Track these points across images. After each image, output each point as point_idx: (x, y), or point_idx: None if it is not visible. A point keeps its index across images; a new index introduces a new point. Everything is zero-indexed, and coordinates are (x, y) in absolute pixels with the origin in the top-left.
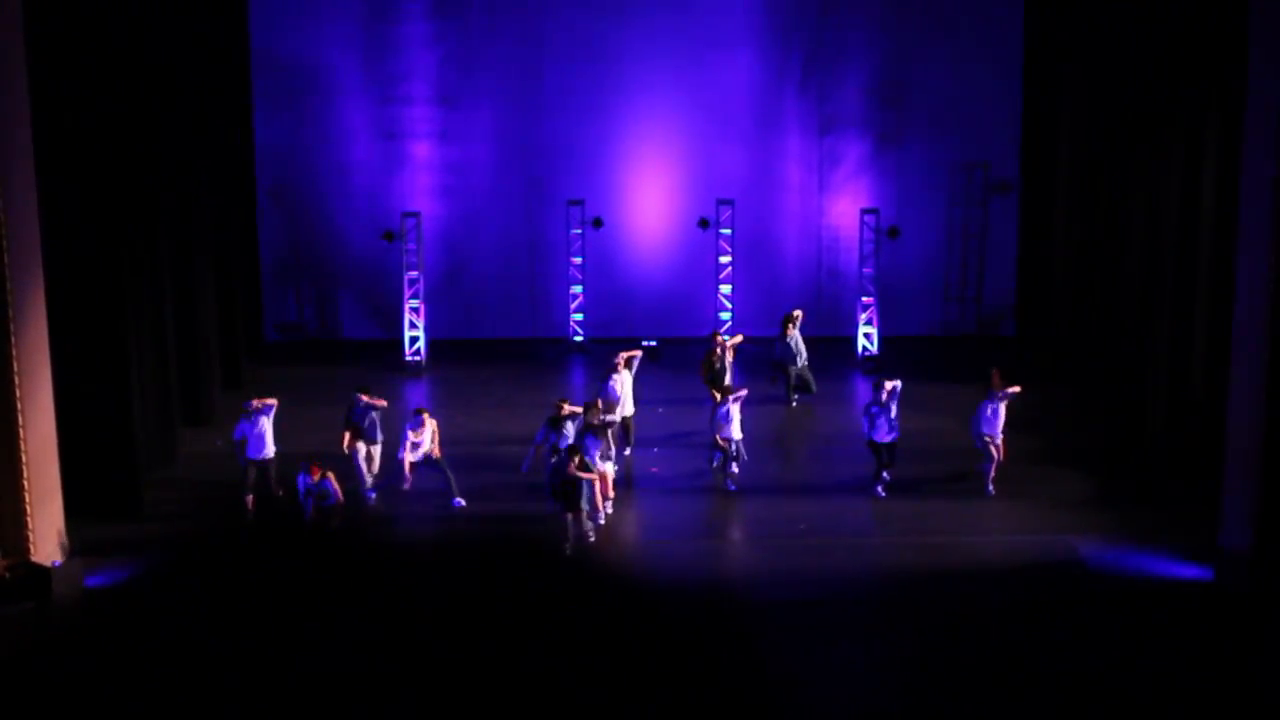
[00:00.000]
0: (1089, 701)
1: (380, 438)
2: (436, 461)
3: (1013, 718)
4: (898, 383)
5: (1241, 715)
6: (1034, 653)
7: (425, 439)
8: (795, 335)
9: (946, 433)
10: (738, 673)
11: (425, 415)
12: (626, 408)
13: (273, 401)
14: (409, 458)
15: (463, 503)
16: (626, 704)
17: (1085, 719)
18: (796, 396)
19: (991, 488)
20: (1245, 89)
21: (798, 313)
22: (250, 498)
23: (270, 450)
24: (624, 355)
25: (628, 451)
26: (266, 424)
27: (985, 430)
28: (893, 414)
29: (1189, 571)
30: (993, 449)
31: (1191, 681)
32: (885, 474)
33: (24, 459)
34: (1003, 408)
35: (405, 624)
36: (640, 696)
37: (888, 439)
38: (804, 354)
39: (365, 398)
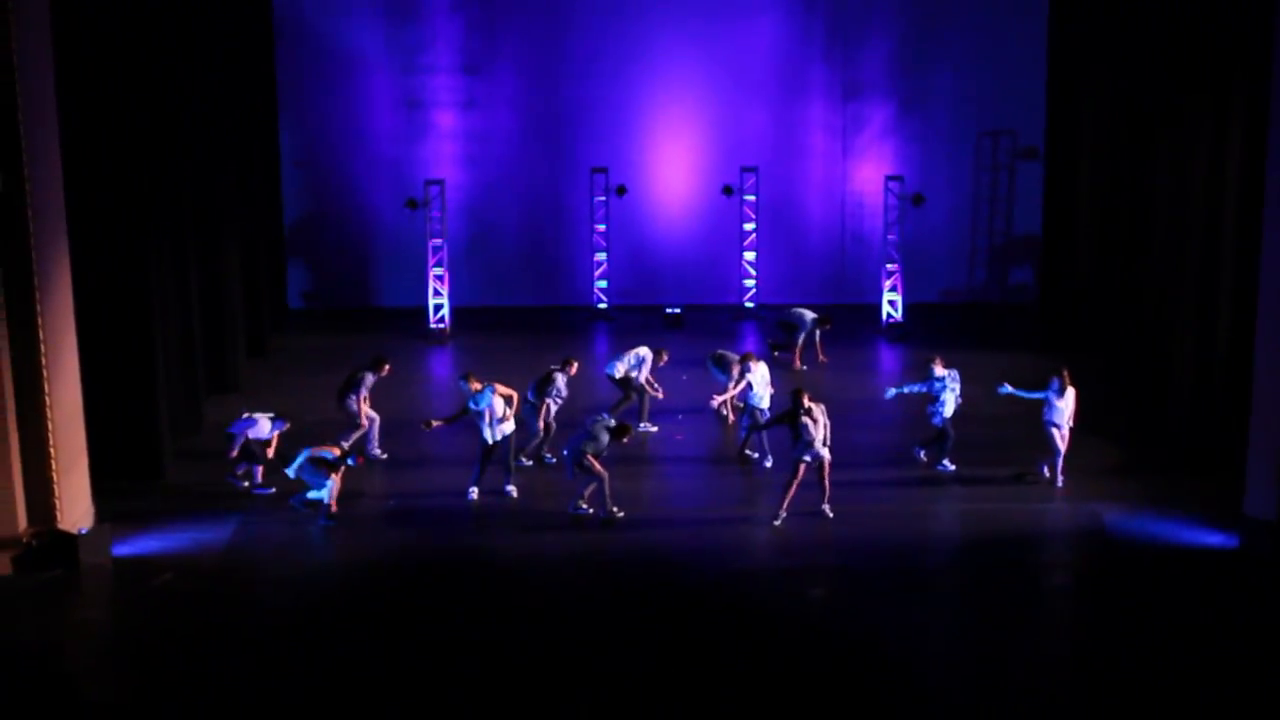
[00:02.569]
0: (1113, 668)
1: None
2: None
3: (1037, 685)
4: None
5: (1267, 682)
6: (1058, 620)
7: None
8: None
9: (970, 400)
10: (774, 636)
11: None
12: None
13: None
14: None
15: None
16: (672, 672)
17: (1110, 686)
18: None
19: (1060, 480)
20: (1273, 56)
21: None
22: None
23: (263, 433)
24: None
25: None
26: (265, 426)
27: (1054, 419)
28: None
29: (1214, 539)
30: (1059, 440)
31: (1217, 649)
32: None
33: (50, 427)
34: (1071, 399)
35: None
36: (676, 663)
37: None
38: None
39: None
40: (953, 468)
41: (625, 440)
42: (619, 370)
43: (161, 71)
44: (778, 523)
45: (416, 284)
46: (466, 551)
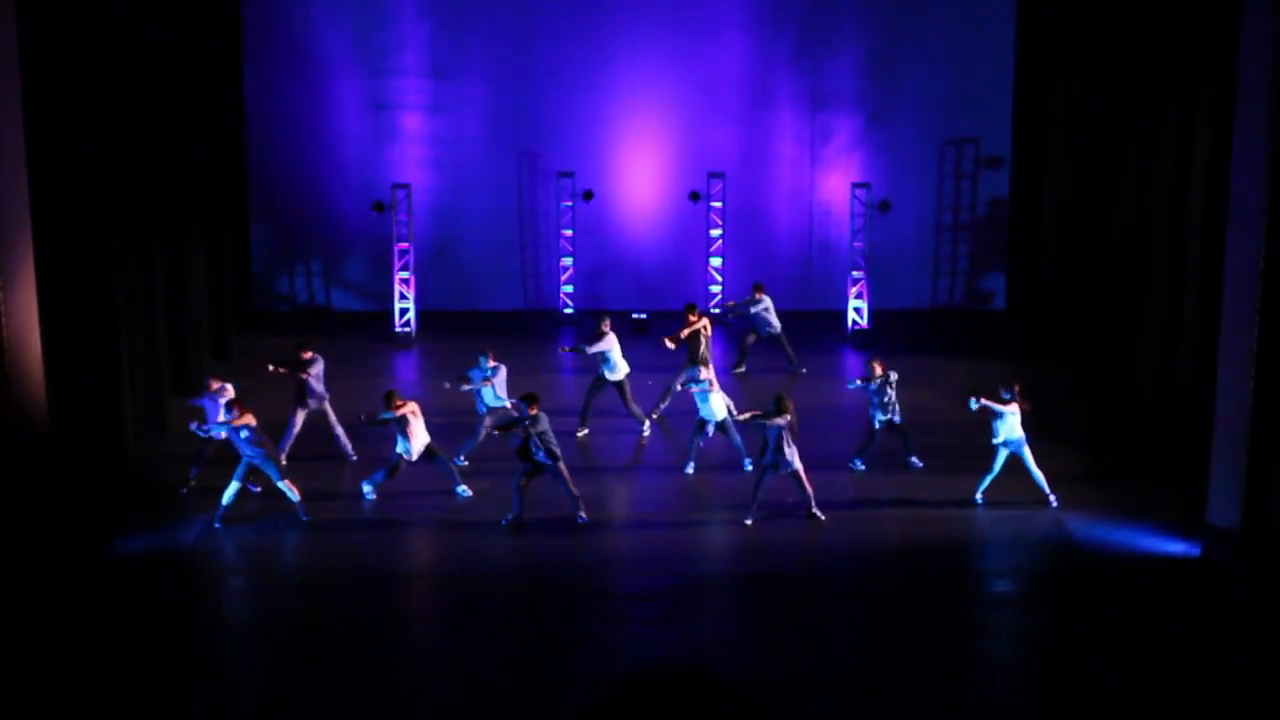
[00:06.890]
0: (1074, 676)
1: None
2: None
3: (998, 692)
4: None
5: (1228, 690)
6: (1020, 627)
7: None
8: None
9: (935, 407)
10: (717, 642)
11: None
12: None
13: (228, 388)
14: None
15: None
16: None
17: (1071, 694)
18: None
19: (1053, 497)
20: (1238, 64)
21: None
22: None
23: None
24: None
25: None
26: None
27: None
28: (888, 397)
29: (1177, 547)
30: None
31: (1178, 657)
32: (913, 455)
33: None
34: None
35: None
36: (608, 669)
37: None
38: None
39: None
40: (862, 467)
41: (536, 406)
42: (620, 369)
43: (128, 72)
44: (749, 522)
45: (382, 288)
46: (431, 555)
